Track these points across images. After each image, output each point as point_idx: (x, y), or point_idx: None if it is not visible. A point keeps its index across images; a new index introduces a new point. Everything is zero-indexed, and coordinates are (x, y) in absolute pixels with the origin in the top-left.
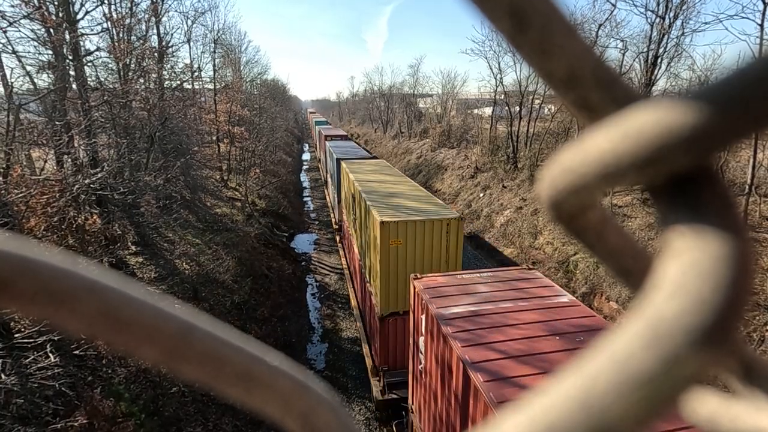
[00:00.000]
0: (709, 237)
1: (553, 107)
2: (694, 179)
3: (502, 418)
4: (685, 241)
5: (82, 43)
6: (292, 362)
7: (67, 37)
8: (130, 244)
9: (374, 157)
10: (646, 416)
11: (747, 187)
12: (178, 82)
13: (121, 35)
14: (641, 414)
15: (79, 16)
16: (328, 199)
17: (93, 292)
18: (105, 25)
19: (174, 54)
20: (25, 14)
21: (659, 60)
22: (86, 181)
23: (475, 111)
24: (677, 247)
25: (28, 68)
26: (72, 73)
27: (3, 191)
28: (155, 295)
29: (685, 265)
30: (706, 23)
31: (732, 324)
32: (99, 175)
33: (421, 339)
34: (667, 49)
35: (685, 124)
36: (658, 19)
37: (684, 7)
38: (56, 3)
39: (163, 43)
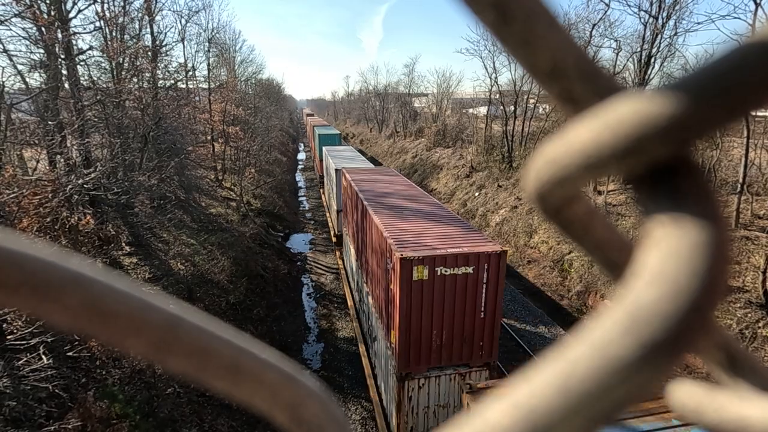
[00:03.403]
0: (687, 225)
1: (547, 106)
2: (673, 169)
3: (486, 405)
4: (665, 230)
5: (74, 42)
6: (280, 354)
7: (60, 35)
8: (123, 244)
9: None
10: (624, 400)
11: (739, 185)
12: (172, 82)
13: (114, 34)
14: (620, 398)
15: (71, 15)
16: None
17: (78, 284)
18: (98, 24)
19: (168, 53)
20: (17, 12)
21: (652, 60)
22: (79, 181)
23: (471, 110)
24: (657, 236)
25: (20, 67)
26: (64, 72)
27: None
28: (141, 288)
29: (663, 253)
30: (698, 23)
31: (708, 309)
32: (92, 175)
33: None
34: (660, 49)
35: (662, 115)
36: (651, 19)
37: (677, 8)
38: (48, 1)
39: (157, 42)
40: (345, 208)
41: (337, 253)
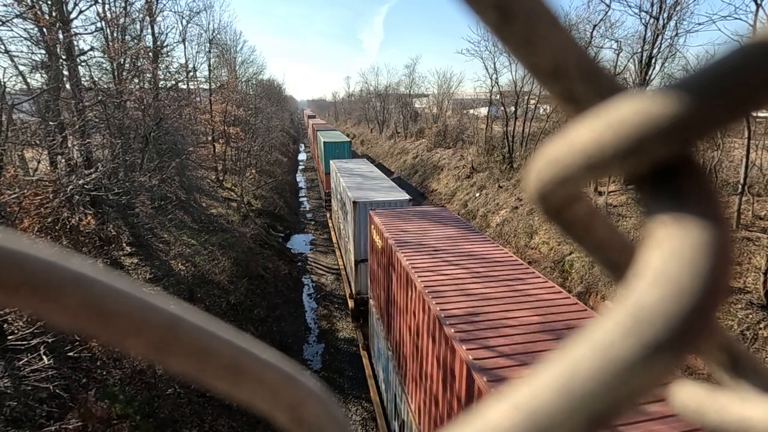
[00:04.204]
0: (689, 225)
1: (548, 107)
2: (675, 169)
3: (487, 406)
4: (667, 230)
5: (75, 43)
6: (281, 355)
7: (61, 36)
8: (124, 245)
9: None
10: (627, 401)
11: (740, 186)
12: (173, 82)
13: (115, 35)
14: (622, 399)
15: (72, 16)
16: None
17: (78, 284)
18: (99, 25)
19: (169, 54)
20: (18, 13)
21: (653, 60)
22: (80, 182)
23: (471, 111)
24: (659, 236)
25: (21, 68)
26: (65, 72)
27: None
28: (141, 288)
29: (666, 254)
30: (699, 24)
31: (711, 310)
32: (93, 175)
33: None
34: (661, 50)
35: (664, 114)
36: (652, 20)
37: (678, 8)
38: (49, 2)
39: (158, 43)
40: (377, 275)
41: (359, 334)
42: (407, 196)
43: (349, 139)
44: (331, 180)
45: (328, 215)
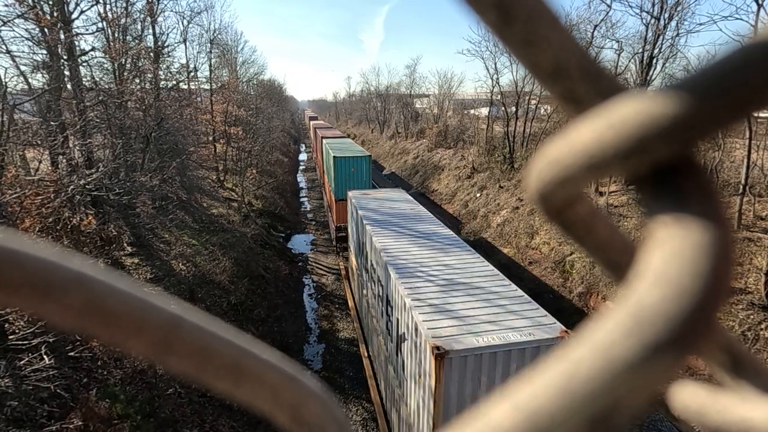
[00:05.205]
0: (691, 226)
1: (549, 107)
2: (677, 169)
3: (489, 406)
4: (668, 231)
5: (77, 43)
6: (282, 355)
7: (62, 36)
8: (125, 245)
9: None
10: (628, 401)
11: (741, 187)
12: (174, 83)
13: (116, 35)
14: (623, 400)
15: (74, 16)
16: None
17: (80, 284)
18: (100, 25)
19: (170, 54)
20: (20, 14)
21: (654, 60)
22: (81, 182)
23: (472, 111)
24: (660, 237)
25: (23, 68)
26: (67, 73)
27: None
28: (142, 288)
29: (667, 254)
30: (700, 24)
31: (712, 311)
32: (94, 175)
33: None
34: (662, 50)
35: (665, 114)
36: (653, 20)
37: (679, 8)
38: (51, 2)
39: (159, 43)
40: None
41: None
42: (558, 328)
43: (368, 153)
44: (352, 231)
45: (342, 271)
